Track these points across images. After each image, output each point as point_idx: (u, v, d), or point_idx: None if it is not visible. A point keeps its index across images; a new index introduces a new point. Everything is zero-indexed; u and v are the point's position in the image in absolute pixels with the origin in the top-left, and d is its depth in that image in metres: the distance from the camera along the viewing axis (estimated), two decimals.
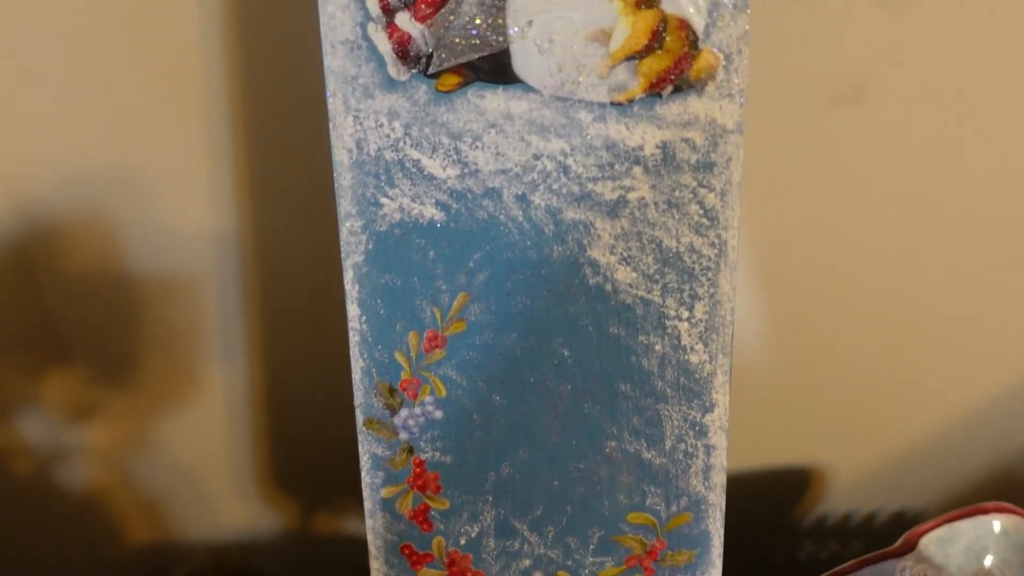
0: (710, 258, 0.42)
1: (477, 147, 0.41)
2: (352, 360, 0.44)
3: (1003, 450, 0.66)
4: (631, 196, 0.41)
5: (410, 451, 0.46)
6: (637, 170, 0.40)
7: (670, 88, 0.39)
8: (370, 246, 0.42)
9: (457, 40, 0.39)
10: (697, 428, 0.44)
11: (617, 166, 0.40)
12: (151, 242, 0.58)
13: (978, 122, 0.54)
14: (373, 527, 0.47)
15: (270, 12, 0.51)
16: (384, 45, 0.39)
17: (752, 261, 0.58)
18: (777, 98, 0.53)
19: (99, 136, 0.55)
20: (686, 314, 0.43)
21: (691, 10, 0.38)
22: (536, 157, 0.41)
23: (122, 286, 0.60)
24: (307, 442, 0.66)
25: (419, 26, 0.39)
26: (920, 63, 0.52)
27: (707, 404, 0.44)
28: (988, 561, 0.53)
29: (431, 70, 0.40)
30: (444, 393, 0.44)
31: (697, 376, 0.44)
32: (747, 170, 0.41)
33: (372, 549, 0.48)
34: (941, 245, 0.58)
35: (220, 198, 0.58)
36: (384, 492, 0.47)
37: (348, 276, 0.42)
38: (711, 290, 0.42)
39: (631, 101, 0.40)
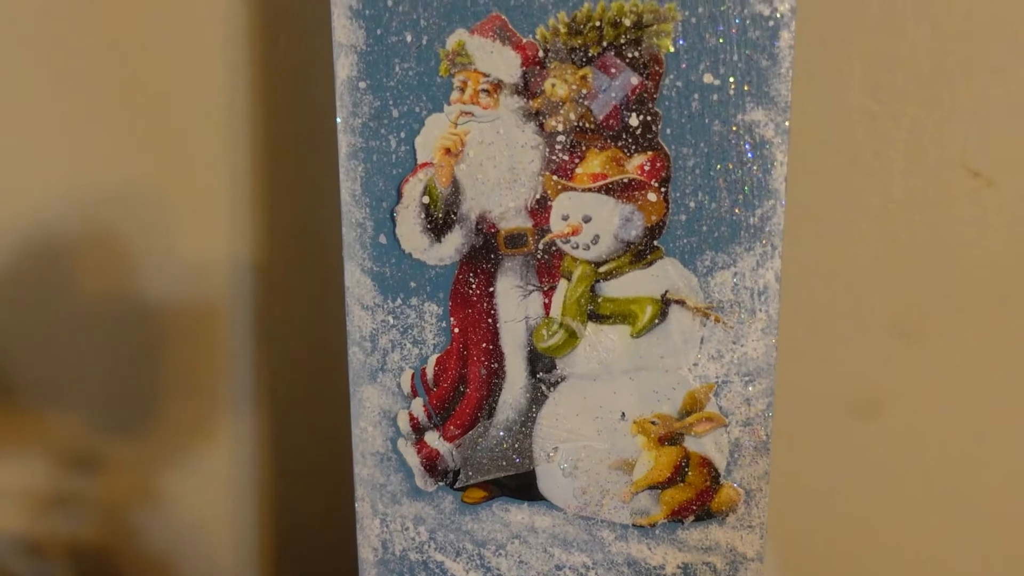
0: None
1: (501, 555, 0.41)
2: None
3: None
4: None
5: None
6: None
7: (692, 516, 0.40)
8: None
9: (484, 460, 0.40)
10: None
11: None
12: (162, 273, 0.54)
13: (991, 438, 0.54)
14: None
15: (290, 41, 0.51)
16: (413, 459, 0.41)
17: (775, 563, 0.58)
18: (796, 408, 0.53)
19: (114, 163, 0.52)
20: None
21: (713, 449, 0.39)
22: (559, 568, 0.41)
23: (129, 321, 0.55)
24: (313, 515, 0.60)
25: (447, 445, 0.40)
26: (933, 386, 0.53)
27: None
28: None
29: (458, 484, 0.41)
30: None
31: None
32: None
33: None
34: (955, 552, 0.57)
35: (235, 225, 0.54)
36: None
37: None
38: None
39: (653, 525, 0.40)
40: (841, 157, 0.50)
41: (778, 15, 0.34)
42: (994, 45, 0.47)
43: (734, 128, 0.35)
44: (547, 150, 0.37)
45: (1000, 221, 0.51)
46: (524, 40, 0.36)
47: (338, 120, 0.37)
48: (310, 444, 0.58)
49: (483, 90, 0.36)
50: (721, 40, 0.35)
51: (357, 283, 0.39)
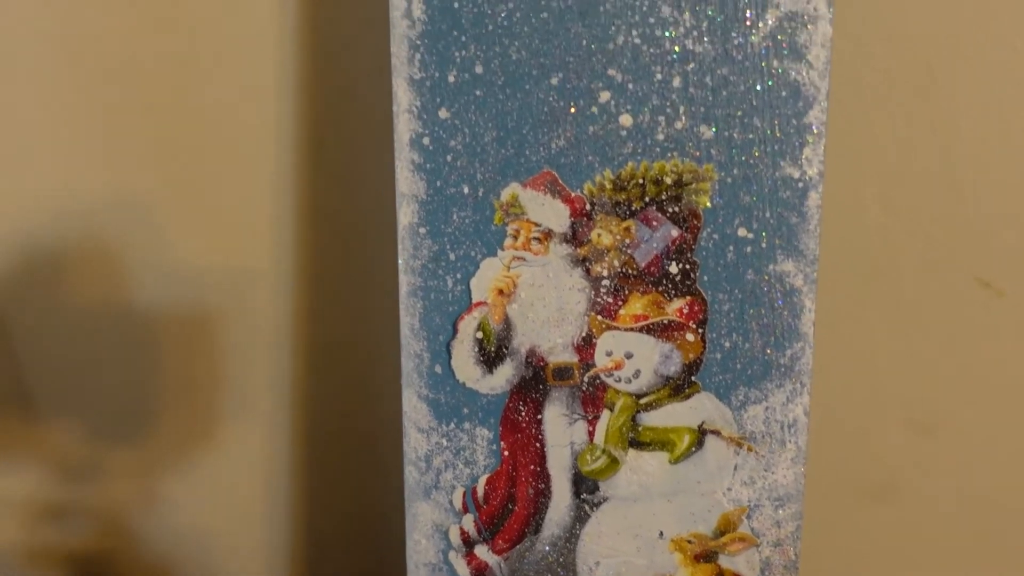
0: None
1: None
2: None
3: None
4: None
5: None
6: None
7: None
8: None
9: (531, 572, 0.43)
10: None
11: None
12: (161, 279, 0.54)
13: (1001, 520, 0.56)
14: None
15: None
16: (463, 570, 0.44)
17: None
18: (812, 494, 0.56)
19: (105, 168, 0.52)
20: None
21: (745, 567, 0.42)
22: None
23: (129, 326, 0.55)
24: (337, 512, 0.60)
25: (496, 557, 0.43)
26: (949, 473, 0.55)
27: None
28: None
29: None
30: None
31: None
32: None
33: None
34: None
35: (240, 231, 0.54)
36: None
37: None
38: None
39: None
40: (863, 275, 0.53)
41: (808, 177, 0.38)
42: (1001, 165, 0.51)
43: (766, 277, 0.39)
44: (593, 293, 0.40)
45: (1009, 328, 0.54)
46: (573, 194, 0.39)
47: (400, 261, 0.41)
48: (310, 451, 0.59)
49: (534, 238, 0.40)
50: (754, 199, 0.38)
51: (414, 408, 0.42)
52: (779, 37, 0.37)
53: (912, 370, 0.55)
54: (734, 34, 0.37)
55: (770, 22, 0.37)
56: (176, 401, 0.57)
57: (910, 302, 0.53)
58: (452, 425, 0.42)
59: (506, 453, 0.42)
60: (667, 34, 0.37)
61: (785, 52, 0.37)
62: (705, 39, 0.37)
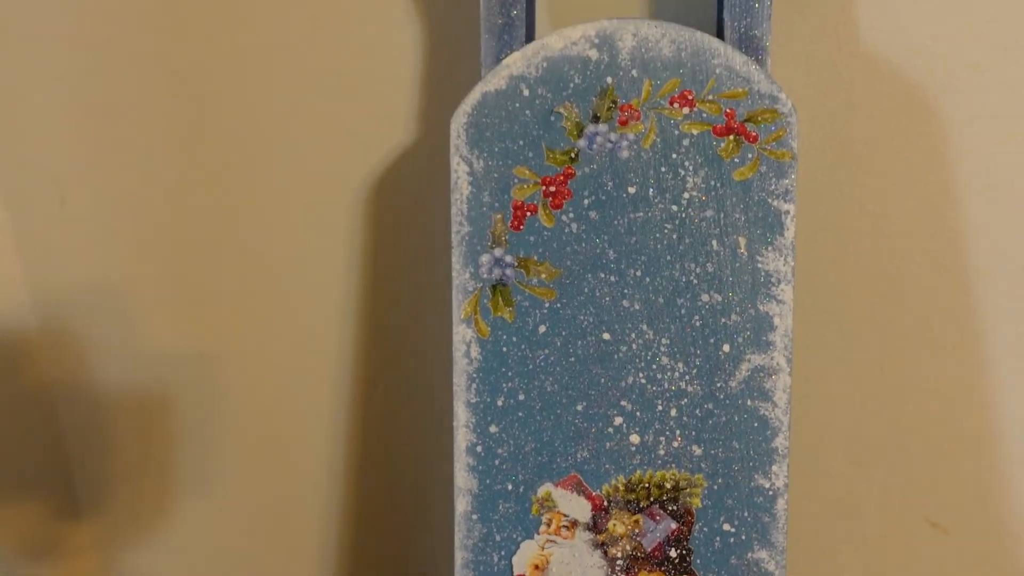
0: None
1: None
2: None
3: None
4: None
5: None
6: None
7: None
8: None
9: None
10: None
11: None
12: (121, 360, 0.55)
13: None
14: None
15: None
16: None
17: None
18: None
19: (69, 253, 0.55)
20: None
21: None
22: None
23: (88, 406, 0.56)
24: None
25: None
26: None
27: None
28: None
29: None
30: None
31: None
32: None
33: None
34: None
35: (199, 316, 0.57)
36: None
37: None
38: None
39: None
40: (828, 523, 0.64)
41: (776, 488, 0.49)
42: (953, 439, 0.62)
43: (745, 562, 0.50)
44: (609, 570, 0.51)
45: (955, 566, 0.65)
46: (594, 493, 0.51)
47: (456, 539, 0.52)
48: (264, 524, 0.63)
49: (564, 526, 0.51)
50: (735, 502, 0.50)
51: None
52: (751, 383, 0.49)
53: None
54: (716, 380, 0.49)
55: (743, 372, 0.49)
56: (134, 478, 0.59)
57: (869, 543, 0.64)
58: None
59: None
60: (665, 377, 0.49)
61: (756, 394, 0.49)
62: (695, 382, 0.49)
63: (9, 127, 0.61)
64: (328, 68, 0.58)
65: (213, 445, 0.60)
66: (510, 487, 0.51)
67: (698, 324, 0.48)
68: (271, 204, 0.61)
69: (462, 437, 0.50)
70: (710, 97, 0.47)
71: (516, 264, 0.49)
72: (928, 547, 0.64)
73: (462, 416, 0.50)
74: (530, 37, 0.51)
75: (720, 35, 0.49)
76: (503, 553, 0.51)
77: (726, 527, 0.49)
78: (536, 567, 0.51)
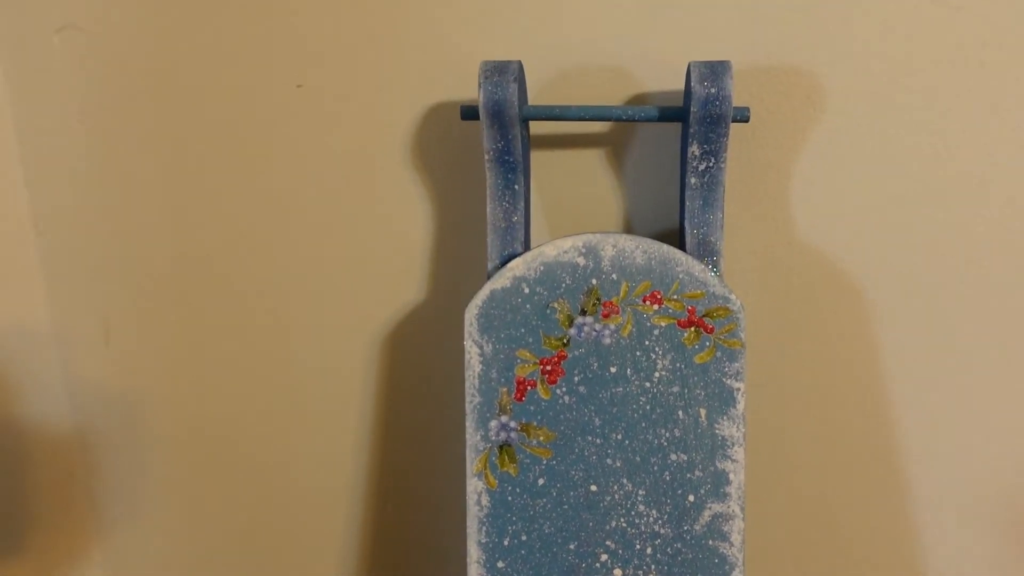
0: None
1: None
2: None
3: None
4: None
5: None
6: None
7: None
8: None
9: None
10: None
11: None
12: (39, 399, 0.58)
13: None
14: None
15: None
16: None
17: None
18: None
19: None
20: None
21: None
22: None
23: (9, 445, 0.58)
24: None
25: None
26: None
27: None
28: None
29: None
30: None
31: None
32: None
33: None
34: None
35: (122, 356, 0.62)
36: None
37: None
38: None
39: None
40: None
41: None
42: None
43: None
44: None
45: None
46: None
47: None
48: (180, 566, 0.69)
49: None
50: None
51: None
52: (712, 527, 0.60)
53: None
54: (684, 524, 0.60)
55: (706, 517, 0.60)
56: (56, 517, 0.63)
57: None
58: None
59: None
60: (642, 521, 0.61)
61: (716, 536, 0.60)
62: (667, 525, 0.61)
63: None
64: (356, 243, 0.70)
65: (134, 487, 0.64)
66: None
67: (668, 479, 0.60)
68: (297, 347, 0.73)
69: (474, 572, 0.61)
70: (675, 297, 0.59)
71: (519, 428, 0.60)
72: None
73: (474, 554, 0.61)
74: (526, 234, 0.63)
75: (682, 239, 0.61)
76: None
77: None
78: None
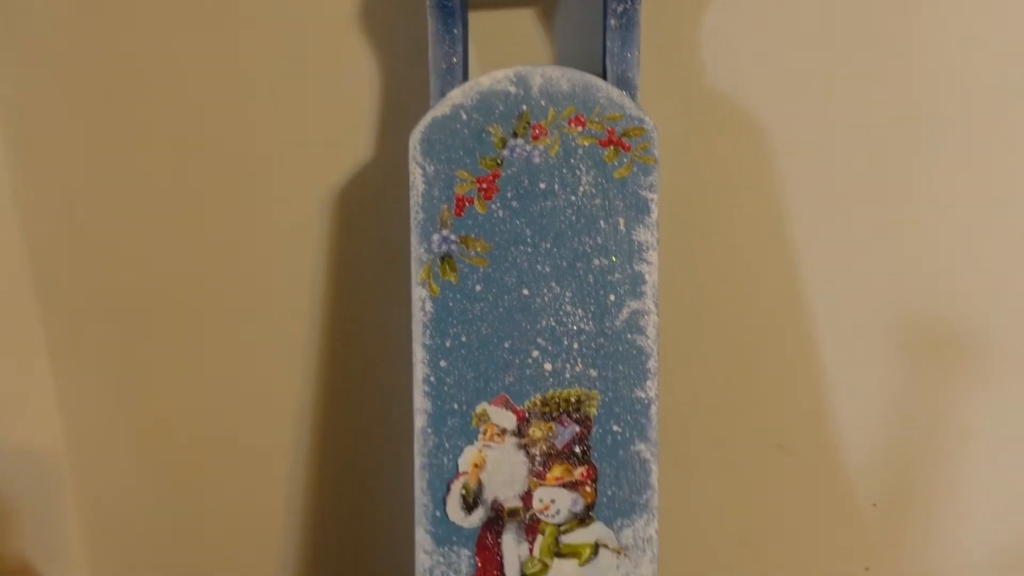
0: None
1: None
2: None
3: None
4: None
5: None
6: None
7: None
8: None
9: None
10: None
11: None
12: None
13: None
14: None
15: None
16: None
17: None
18: None
19: None
20: None
21: None
22: None
23: None
24: None
25: None
26: None
27: None
28: None
29: None
30: None
31: None
32: None
33: None
34: None
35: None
36: None
37: None
38: None
39: None
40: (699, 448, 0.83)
41: (649, 398, 0.69)
42: None
43: (630, 454, 0.69)
44: (531, 465, 0.70)
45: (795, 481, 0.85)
46: (518, 408, 0.69)
47: (415, 447, 0.70)
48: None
49: (496, 434, 0.70)
50: (621, 410, 0.69)
51: (423, 539, 0.71)
52: (630, 322, 0.69)
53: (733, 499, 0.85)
54: (606, 321, 0.69)
55: (625, 314, 0.69)
56: None
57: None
58: (446, 548, 0.71)
59: (479, 564, 0.71)
60: (569, 320, 0.69)
61: (634, 330, 0.69)
62: (591, 322, 0.69)
63: None
64: (301, 94, 0.77)
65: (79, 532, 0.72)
66: (455, 406, 0.69)
67: (592, 281, 0.68)
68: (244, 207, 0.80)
69: (419, 370, 0.69)
70: (596, 119, 0.67)
71: (458, 241, 0.68)
72: (775, 466, 0.84)
73: (419, 354, 0.69)
74: (465, 76, 0.70)
75: (604, 76, 0.69)
76: (451, 456, 0.69)
77: (615, 428, 0.69)
78: (476, 465, 0.69)
